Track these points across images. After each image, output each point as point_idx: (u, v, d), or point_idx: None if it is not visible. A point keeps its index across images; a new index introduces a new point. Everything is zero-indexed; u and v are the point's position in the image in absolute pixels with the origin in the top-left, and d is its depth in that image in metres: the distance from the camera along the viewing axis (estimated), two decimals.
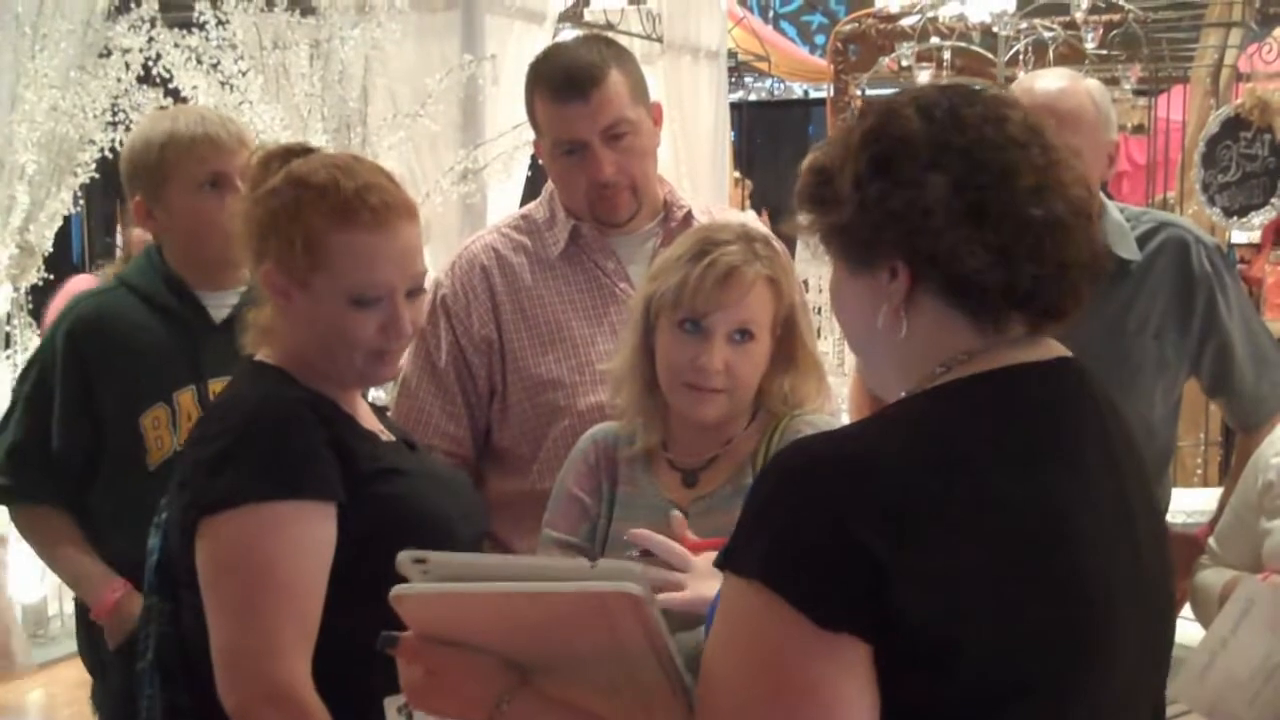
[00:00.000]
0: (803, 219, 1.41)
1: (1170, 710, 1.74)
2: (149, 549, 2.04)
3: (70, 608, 5.88)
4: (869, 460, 1.24)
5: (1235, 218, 5.90)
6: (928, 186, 1.29)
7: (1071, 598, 1.25)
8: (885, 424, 1.31)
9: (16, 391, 2.79)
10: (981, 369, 1.32)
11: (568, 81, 2.49)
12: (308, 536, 1.83)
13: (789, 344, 2.16)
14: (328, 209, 1.89)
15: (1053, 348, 1.37)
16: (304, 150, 2.00)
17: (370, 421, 2.05)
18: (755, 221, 2.76)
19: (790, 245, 2.66)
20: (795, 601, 1.17)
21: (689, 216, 2.64)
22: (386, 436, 2.05)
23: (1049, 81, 2.73)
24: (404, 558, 1.38)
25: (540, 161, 2.70)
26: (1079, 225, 1.32)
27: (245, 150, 2.61)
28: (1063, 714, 1.27)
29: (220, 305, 2.70)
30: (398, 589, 1.37)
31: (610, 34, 6.05)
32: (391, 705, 1.85)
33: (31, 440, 2.70)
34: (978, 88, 1.40)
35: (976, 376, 1.32)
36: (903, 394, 1.35)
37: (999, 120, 1.32)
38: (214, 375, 2.63)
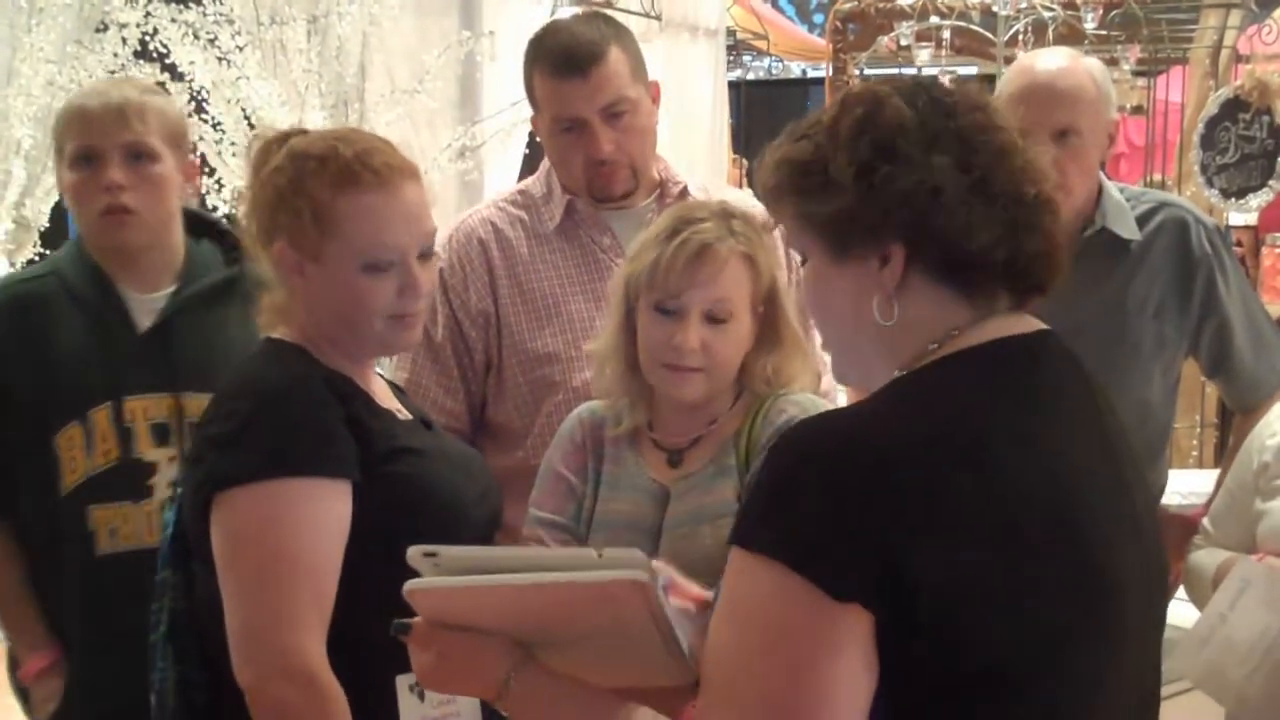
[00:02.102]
0: (784, 211, 1.42)
1: (1169, 688, 1.74)
2: (164, 522, 2.05)
3: None
4: (875, 438, 1.25)
5: (1233, 199, 5.89)
6: (934, 168, 1.31)
7: (1074, 552, 1.28)
8: (889, 402, 1.32)
9: None
10: (973, 343, 1.34)
11: (568, 59, 2.49)
12: (322, 514, 1.83)
13: (772, 322, 2.15)
14: (330, 176, 1.89)
15: (1033, 322, 1.40)
16: (301, 133, 2.01)
17: (387, 400, 2.05)
18: (756, 202, 2.75)
19: None
20: (806, 572, 1.19)
21: (684, 193, 2.64)
22: (404, 415, 2.05)
23: (1049, 60, 2.73)
24: (414, 552, 1.41)
25: (538, 139, 2.69)
26: (1056, 205, 1.39)
27: (130, 126, 2.45)
28: (1077, 684, 1.28)
29: (146, 310, 2.51)
30: (411, 584, 1.40)
31: (609, 11, 6.03)
32: (404, 683, 1.86)
33: None
34: (951, 83, 1.48)
35: (970, 350, 1.34)
36: (896, 373, 1.37)
37: (983, 107, 1.37)
38: (133, 393, 2.46)
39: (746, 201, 2.69)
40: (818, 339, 2.54)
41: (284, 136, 1.99)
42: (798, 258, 2.72)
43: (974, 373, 1.33)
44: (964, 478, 1.24)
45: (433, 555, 1.40)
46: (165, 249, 2.55)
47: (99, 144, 2.45)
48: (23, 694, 2.57)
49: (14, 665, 2.57)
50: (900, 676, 1.21)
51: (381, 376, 2.15)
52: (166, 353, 2.50)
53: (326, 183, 1.89)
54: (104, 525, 2.45)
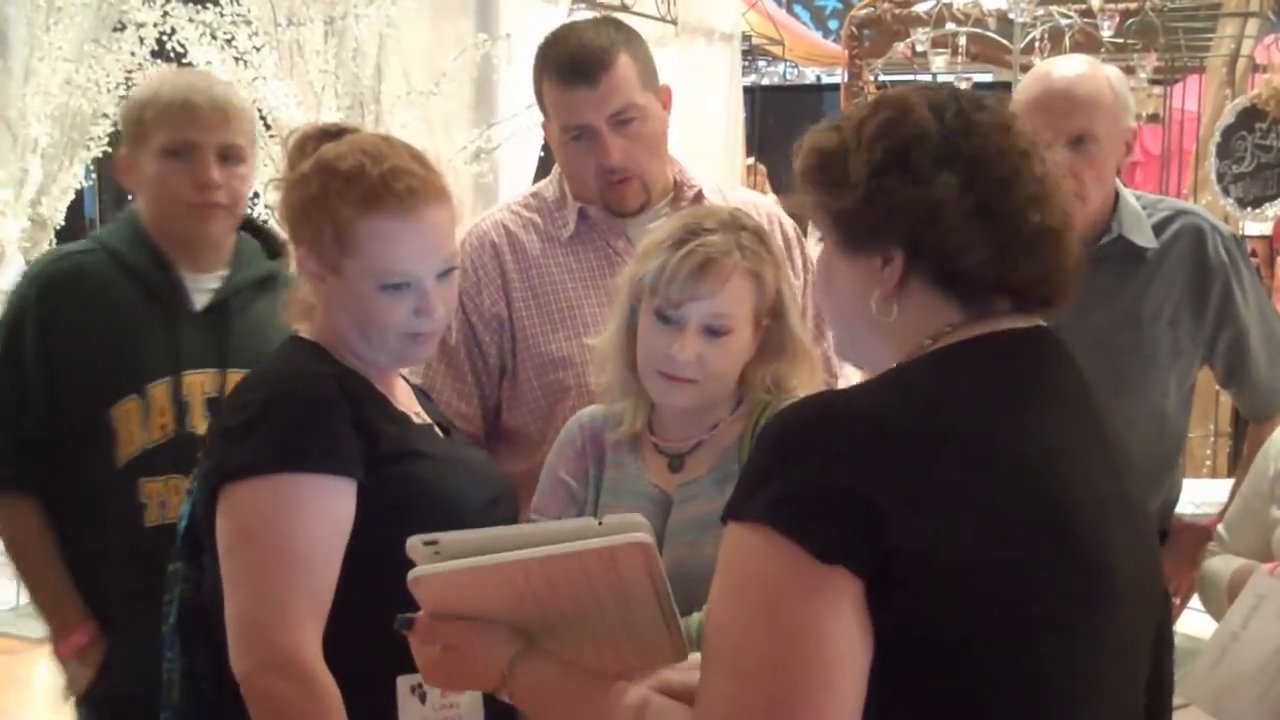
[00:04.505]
0: (805, 198, 1.47)
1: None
2: (180, 515, 2.06)
3: None
4: (861, 413, 1.30)
5: (1249, 209, 5.88)
6: (938, 185, 1.36)
7: (1061, 529, 1.31)
8: (877, 385, 1.38)
9: None
10: (967, 336, 1.39)
11: (575, 66, 2.47)
12: (326, 510, 1.84)
13: (777, 334, 2.14)
14: (354, 196, 1.90)
15: (1031, 319, 1.44)
16: (339, 131, 2.01)
17: (406, 403, 2.06)
18: (770, 205, 2.74)
19: (803, 225, 2.65)
20: (794, 535, 1.22)
21: (700, 196, 2.63)
22: (420, 419, 2.06)
23: (1067, 66, 2.72)
24: (414, 542, 1.41)
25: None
26: (1067, 233, 1.41)
27: (229, 126, 2.54)
28: (1066, 646, 1.30)
29: (201, 290, 2.60)
30: (415, 572, 1.40)
31: (624, 15, 6.03)
32: (404, 684, 1.86)
33: (9, 414, 2.54)
34: (984, 92, 1.50)
35: (963, 343, 1.39)
36: (893, 364, 1.42)
37: (1006, 129, 1.41)
38: (191, 368, 2.55)
39: (761, 204, 2.68)
40: (827, 348, 2.54)
41: (321, 135, 1.99)
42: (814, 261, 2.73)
43: (965, 361, 1.38)
44: (948, 452, 1.28)
45: (433, 544, 1.41)
46: (225, 239, 2.65)
47: (198, 139, 2.52)
48: (61, 669, 2.60)
49: (53, 641, 2.61)
50: (885, 643, 1.23)
51: (406, 380, 2.15)
52: (221, 331, 2.58)
53: (350, 201, 1.90)
54: (155, 498, 2.51)
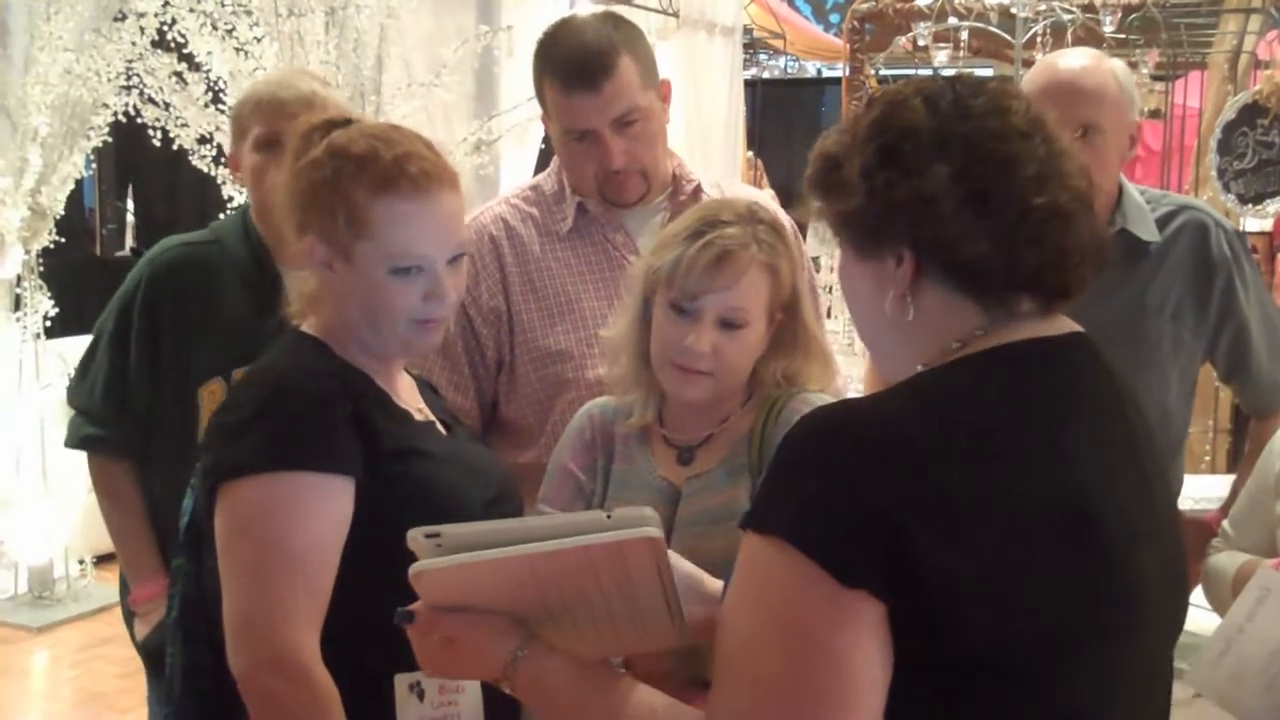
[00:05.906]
0: (813, 205, 1.45)
1: (1180, 693, 1.73)
2: (183, 510, 2.06)
3: (75, 570, 5.92)
4: (886, 426, 1.27)
5: (1250, 205, 5.87)
6: (931, 176, 1.33)
7: (1089, 552, 1.28)
8: (904, 394, 1.34)
9: (100, 328, 2.81)
10: (996, 343, 1.35)
11: (577, 72, 2.46)
12: (324, 509, 1.83)
13: (791, 328, 2.14)
14: (368, 179, 1.89)
15: (1065, 324, 1.41)
16: (345, 121, 2.00)
17: (409, 399, 2.05)
18: (769, 200, 2.73)
19: (802, 224, 2.64)
20: (817, 557, 1.20)
21: (698, 190, 2.63)
22: (423, 416, 2.05)
23: (1073, 59, 2.72)
24: (415, 534, 1.40)
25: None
26: (1081, 213, 1.36)
27: (314, 116, 2.59)
28: (1093, 664, 1.29)
29: None
30: (418, 566, 1.39)
31: (625, 8, 6.02)
32: (403, 683, 1.85)
33: (116, 385, 2.74)
34: (985, 77, 1.45)
35: (991, 350, 1.35)
36: (919, 367, 1.38)
37: (1002, 111, 1.36)
38: None
39: (762, 201, 2.68)
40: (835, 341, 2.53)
41: (327, 125, 1.99)
42: (813, 256, 2.72)
43: (993, 372, 1.34)
44: (971, 470, 1.25)
45: (435, 536, 1.40)
46: None
47: (285, 129, 2.52)
48: (130, 618, 2.85)
49: (126, 591, 2.85)
50: (909, 664, 1.22)
51: (414, 376, 2.14)
52: None
53: (364, 185, 1.89)
54: None
